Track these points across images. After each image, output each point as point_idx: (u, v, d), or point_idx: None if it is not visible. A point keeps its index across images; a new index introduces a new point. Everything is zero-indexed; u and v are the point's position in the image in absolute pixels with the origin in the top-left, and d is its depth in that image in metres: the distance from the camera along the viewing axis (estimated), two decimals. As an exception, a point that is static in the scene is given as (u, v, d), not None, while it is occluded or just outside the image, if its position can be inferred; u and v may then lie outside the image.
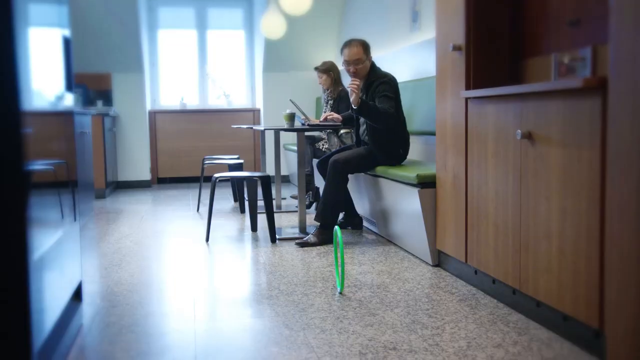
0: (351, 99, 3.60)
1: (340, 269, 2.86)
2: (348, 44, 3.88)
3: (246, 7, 7.75)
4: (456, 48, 2.79)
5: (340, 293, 2.68)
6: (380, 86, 3.74)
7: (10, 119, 1.50)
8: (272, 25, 6.25)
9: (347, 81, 5.81)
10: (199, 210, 5.29)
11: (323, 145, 5.42)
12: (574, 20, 2.36)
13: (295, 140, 6.63)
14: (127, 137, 7.19)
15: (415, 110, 4.14)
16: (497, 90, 2.40)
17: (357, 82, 3.56)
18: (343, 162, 3.74)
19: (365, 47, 3.86)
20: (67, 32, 2.23)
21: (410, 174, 3.21)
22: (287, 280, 2.96)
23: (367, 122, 3.79)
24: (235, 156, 5.99)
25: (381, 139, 3.74)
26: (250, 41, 7.82)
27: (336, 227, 2.68)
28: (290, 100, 4.96)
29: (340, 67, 6.09)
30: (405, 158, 3.84)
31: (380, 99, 3.70)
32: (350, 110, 3.71)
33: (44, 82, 1.82)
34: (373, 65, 3.90)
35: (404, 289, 2.78)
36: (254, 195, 4.27)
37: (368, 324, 2.31)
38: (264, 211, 3.97)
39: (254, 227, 4.23)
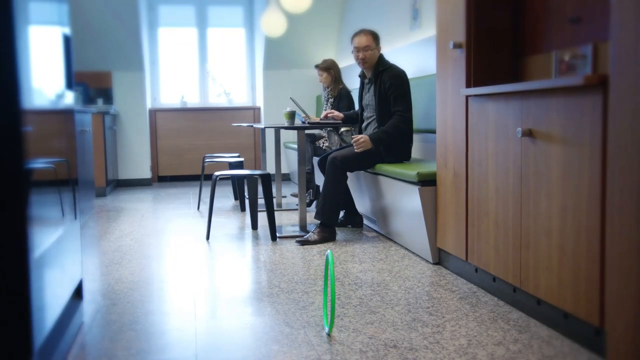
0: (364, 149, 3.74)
1: (329, 302, 2.50)
2: (358, 32, 3.98)
3: (246, 5, 7.75)
4: (457, 46, 2.79)
5: (329, 335, 2.18)
6: (393, 80, 3.77)
7: (10, 117, 1.50)
8: (272, 23, 6.24)
9: (348, 79, 5.83)
10: (200, 209, 5.29)
11: (323, 143, 5.42)
12: (574, 17, 2.36)
13: (295, 139, 6.64)
14: (127, 136, 7.19)
15: (416, 108, 4.14)
16: (497, 87, 2.39)
17: (361, 144, 3.72)
18: (341, 160, 3.75)
19: (375, 36, 3.95)
20: (67, 30, 2.23)
21: (411, 171, 3.21)
22: (288, 278, 2.96)
23: (377, 123, 3.85)
24: (236, 154, 5.99)
25: (391, 143, 3.76)
26: (251, 39, 7.81)
27: (329, 251, 2.22)
28: (291, 98, 4.96)
29: (341, 65, 6.11)
30: (411, 153, 3.87)
31: (396, 103, 3.76)
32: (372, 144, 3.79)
33: (44, 80, 1.82)
34: (381, 55, 3.95)
35: (404, 287, 2.78)
36: (254, 193, 4.27)
37: (368, 321, 2.31)
38: (265, 209, 3.97)
39: (254, 225, 4.23)
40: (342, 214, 4.33)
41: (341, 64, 6.24)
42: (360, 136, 3.75)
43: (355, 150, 3.74)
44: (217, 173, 3.98)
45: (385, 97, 3.79)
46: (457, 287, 2.76)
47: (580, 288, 1.96)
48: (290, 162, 7.03)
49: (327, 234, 3.78)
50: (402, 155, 3.80)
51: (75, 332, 2.22)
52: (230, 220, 4.66)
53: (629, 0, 1.66)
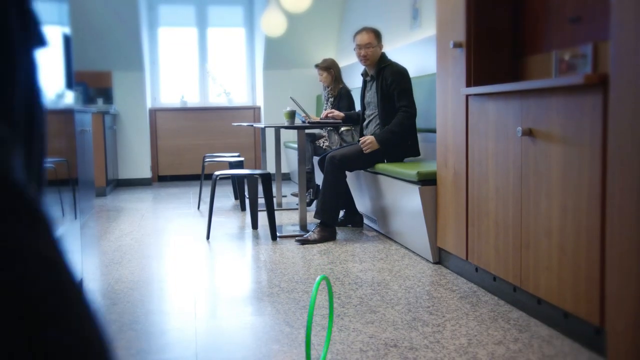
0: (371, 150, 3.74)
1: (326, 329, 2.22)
2: (360, 30, 4.01)
3: (246, 5, 7.74)
4: (457, 45, 2.79)
5: None
6: (394, 76, 3.78)
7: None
8: (272, 23, 6.24)
9: (348, 79, 5.83)
10: (200, 208, 5.29)
11: (324, 142, 5.42)
12: (574, 17, 2.36)
13: (295, 138, 6.63)
14: (127, 135, 7.19)
15: (416, 108, 4.14)
16: (497, 87, 2.39)
17: (368, 144, 3.73)
18: (340, 159, 3.75)
19: (376, 33, 3.98)
20: (67, 30, 2.23)
21: (411, 171, 3.21)
22: (288, 277, 2.96)
23: (379, 120, 3.86)
24: (236, 154, 5.99)
25: (397, 142, 3.76)
26: (251, 39, 7.81)
27: (319, 277, 1.89)
28: (291, 97, 4.96)
29: (341, 64, 6.11)
30: (418, 148, 3.86)
31: (399, 98, 3.78)
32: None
33: (45, 80, 1.82)
34: (383, 53, 3.99)
35: (404, 287, 2.78)
36: (254, 193, 4.27)
37: (369, 321, 2.31)
38: (265, 209, 3.97)
39: (254, 225, 4.23)
40: (342, 213, 4.33)
41: (341, 64, 6.23)
42: (366, 137, 3.74)
43: (365, 152, 3.74)
44: (217, 173, 3.98)
45: (387, 94, 3.81)
46: (458, 287, 2.76)
47: (580, 288, 1.96)
48: (290, 161, 7.03)
49: (327, 234, 3.78)
50: (407, 152, 3.81)
51: (76, 331, 2.22)
52: (230, 220, 4.66)
53: (629, 0, 1.66)
